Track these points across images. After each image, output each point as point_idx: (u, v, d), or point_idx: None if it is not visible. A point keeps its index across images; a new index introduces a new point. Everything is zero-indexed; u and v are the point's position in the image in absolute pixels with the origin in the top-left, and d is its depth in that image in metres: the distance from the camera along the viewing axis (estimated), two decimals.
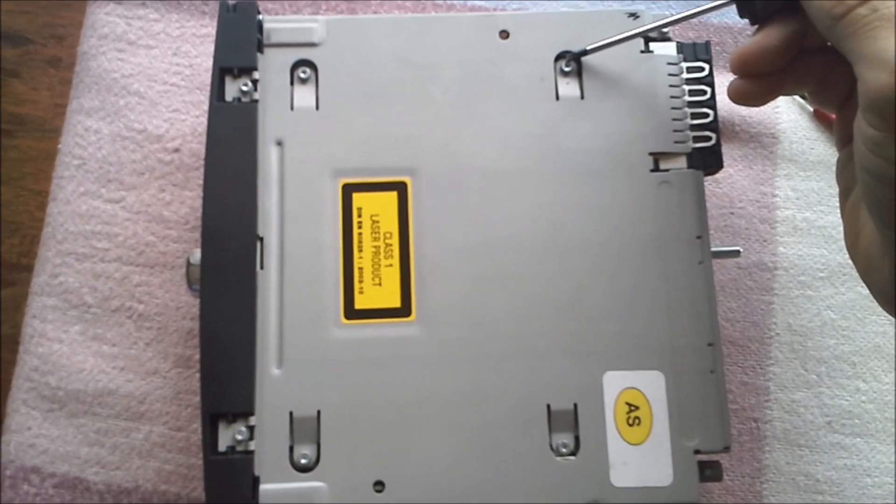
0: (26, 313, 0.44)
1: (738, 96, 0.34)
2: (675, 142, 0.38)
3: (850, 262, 0.34)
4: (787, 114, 0.48)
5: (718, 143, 0.38)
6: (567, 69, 0.38)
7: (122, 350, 0.43)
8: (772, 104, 0.48)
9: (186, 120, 0.47)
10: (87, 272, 0.44)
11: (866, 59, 0.28)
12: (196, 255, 0.37)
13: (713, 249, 0.37)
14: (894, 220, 0.29)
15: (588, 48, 0.38)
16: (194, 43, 0.48)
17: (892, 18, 0.28)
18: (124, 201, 0.45)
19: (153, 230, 0.45)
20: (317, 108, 0.38)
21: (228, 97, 0.38)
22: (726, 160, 0.46)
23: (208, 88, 0.45)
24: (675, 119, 0.38)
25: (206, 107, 0.47)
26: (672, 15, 0.36)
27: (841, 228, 0.46)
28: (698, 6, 0.35)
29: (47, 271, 0.44)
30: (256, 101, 0.37)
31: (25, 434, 0.42)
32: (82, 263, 0.44)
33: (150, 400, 0.43)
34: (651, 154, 0.37)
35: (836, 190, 0.46)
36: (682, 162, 0.38)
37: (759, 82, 0.33)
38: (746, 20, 0.33)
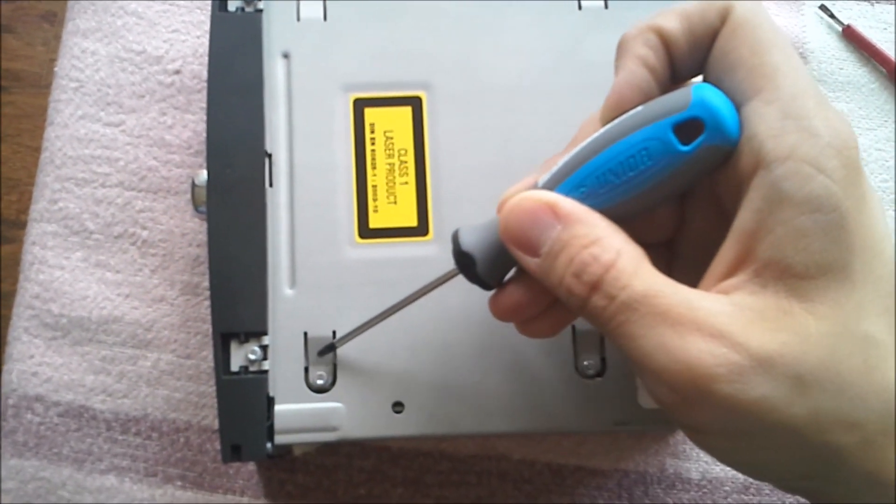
0: (25, 241, 0.42)
1: (527, 334, 0.29)
2: None
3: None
4: (816, 33, 0.46)
5: None
6: None
7: (126, 277, 0.42)
8: (799, 22, 0.46)
9: (187, 40, 0.45)
10: (88, 198, 0.42)
11: (636, 366, 0.23)
12: (201, 177, 0.35)
13: None
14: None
15: None
16: None
17: (635, 305, 0.23)
18: (124, 125, 0.43)
19: (155, 154, 0.43)
20: (325, 18, 0.36)
21: (231, 7, 0.36)
22: None
23: (209, 7, 0.43)
24: None
25: (207, 27, 0.44)
26: None
27: (874, 153, 0.44)
28: None
29: (46, 197, 0.42)
30: (261, 10, 0.36)
31: (28, 362, 0.41)
32: (82, 189, 0.43)
33: (158, 327, 0.41)
34: None
35: (865, 111, 0.45)
36: None
37: (533, 323, 0.29)
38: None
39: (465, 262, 0.28)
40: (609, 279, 0.23)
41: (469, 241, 0.28)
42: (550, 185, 0.26)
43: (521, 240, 0.25)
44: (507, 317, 0.28)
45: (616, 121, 0.25)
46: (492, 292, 0.29)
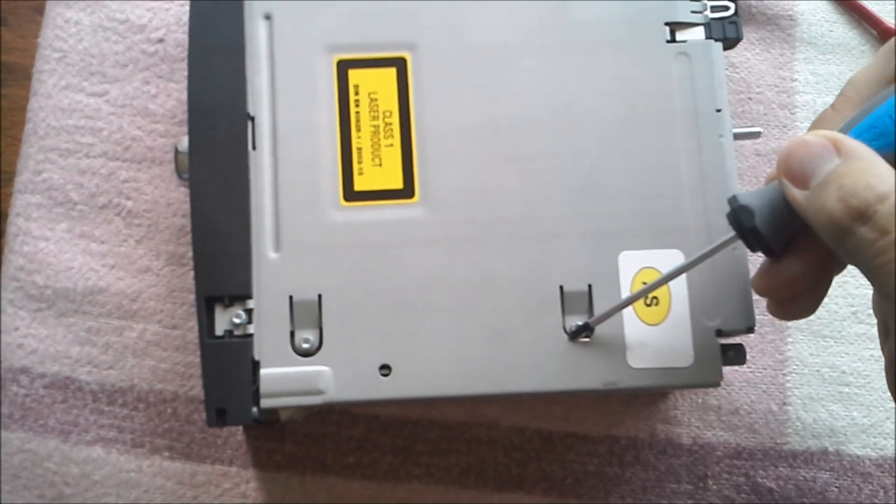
0: (10, 212, 0.42)
1: (783, 316, 0.30)
2: (692, 11, 0.35)
3: None
4: None
5: (737, 13, 0.36)
6: None
7: (111, 248, 0.41)
8: None
9: (171, 9, 0.44)
10: (72, 168, 0.42)
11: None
12: (184, 143, 0.35)
13: (732, 131, 0.35)
14: None
15: None
16: None
17: None
18: (108, 95, 0.43)
19: (139, 124, 0.43)
20: None
21: None
22: (742, 44, 0.43)
23: None
24: None
25: None
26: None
27: None
28: None
29: (30, 168, 0.42)
30: None
31: (13, 334, 0.40)
32: (66, 159, 0.42)
33: (143, 298, 0.41)
34: (667, 24, 0.35)
35: None
36: (699, 33, 0.35)
37: (798, 300, 0.29)
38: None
39: (742, 218, 0.27)
40: (884, 212, 0.22)
41: (747, 197, 0.28)
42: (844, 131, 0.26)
43: (795, 171, 0.25)
44: (775, 293, 0.29)
45: None
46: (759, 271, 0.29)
